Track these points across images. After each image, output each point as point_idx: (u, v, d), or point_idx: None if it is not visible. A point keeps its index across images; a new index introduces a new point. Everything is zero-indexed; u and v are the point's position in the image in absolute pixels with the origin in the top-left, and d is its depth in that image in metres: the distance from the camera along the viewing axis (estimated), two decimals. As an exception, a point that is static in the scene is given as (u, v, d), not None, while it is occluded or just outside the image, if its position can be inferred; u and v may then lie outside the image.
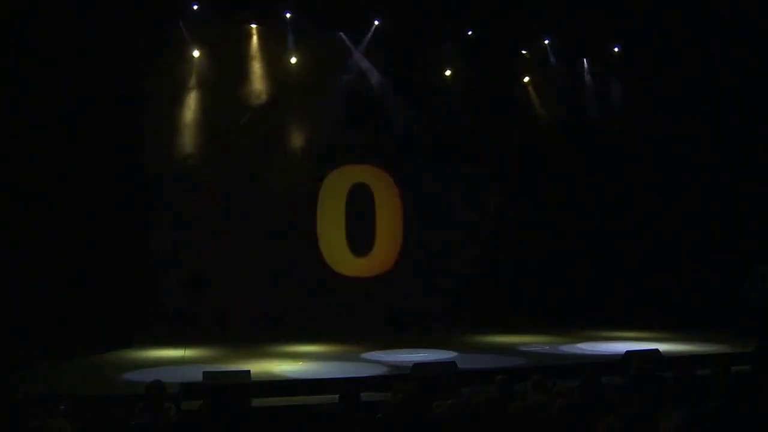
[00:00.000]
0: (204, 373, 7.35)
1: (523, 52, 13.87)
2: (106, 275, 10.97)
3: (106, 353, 10.28)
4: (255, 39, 12.50)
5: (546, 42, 13.77)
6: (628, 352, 8.49)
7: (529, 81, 14.02)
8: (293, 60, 12.63)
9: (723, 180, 13.10)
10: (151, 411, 5.62)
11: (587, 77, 14.18)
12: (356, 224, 13.66)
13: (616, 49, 13.91)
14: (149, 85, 11.73)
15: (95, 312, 10.58)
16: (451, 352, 10.39)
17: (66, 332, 9.99)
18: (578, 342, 11.33)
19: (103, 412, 6.24)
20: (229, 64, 12.34)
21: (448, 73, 13.59)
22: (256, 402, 7.20)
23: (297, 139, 13.20)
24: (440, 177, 14.15)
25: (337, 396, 6.01)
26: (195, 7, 11.78)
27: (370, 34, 12.99)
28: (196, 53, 12.13)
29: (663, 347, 9.25)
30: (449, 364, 8.19)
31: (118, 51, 10.88)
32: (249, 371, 7.47)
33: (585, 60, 14.14)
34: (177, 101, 12.25)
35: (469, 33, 13.22)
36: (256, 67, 12.46)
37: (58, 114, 10.43)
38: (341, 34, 13.04)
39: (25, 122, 10.23)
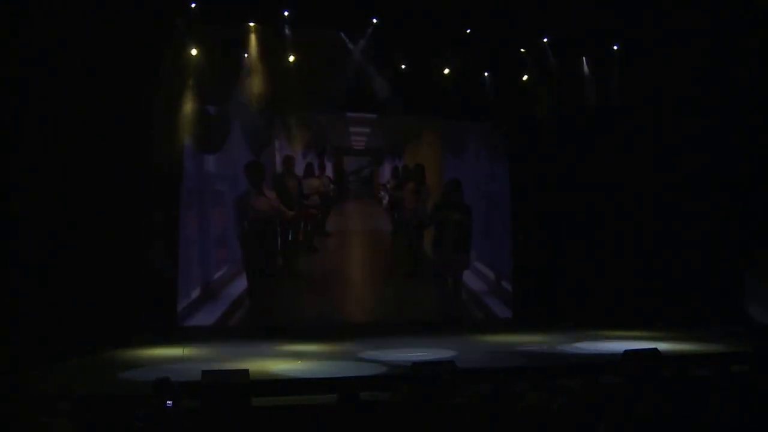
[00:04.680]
0: (203, 372, 7.34)
1: (522, 50, 13.82)
2: (107, 273, 10.95)
3: (106, 352, 10.26)
4: (253, 37, 12.45)
5: (545, 40, 13.74)
6: (626, 351, 8.50)
7: (527, 79, 13.98)
8: (291, 58, 12.61)
9: (723, 178, 13.12)
10: (157, 409, 5.65)
11: (586, 75, 14.13)
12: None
13: (615, 47, 13.87)
14: (146, 85, 11.69)
15: (95, 311, 10.58)
16: (449, 351, 10.40)
17: (66, 332, 9.97)
18: (577, 341, 11.34)
19: (103, 411, 6.25)
20: (227, 63, 12.31)
21: (446, 71, 13.56)
22: (255, 401, 7.19)
23: (296, 138, 13.24)
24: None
25: (336, 395, 6.02)
26: (193, 6, 11.73)
27: (369, 33, 12.96)
28: (194, 52, 12.10)
29: (661, 346, 9.24)
30: (448, 364, 8.19)
31: (115, 50, 10.84)
32: (247, 370, 7.47)
33: (584, 58, 14.09)
34: (175, 100, 12.21)
35: (468, 31, 13.18)
36: (254, 66, 12.42)
37: (55, 114, 10.40)
38: (340, 33, 13.00)
39: (23, 122, 10.20)
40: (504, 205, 14.54)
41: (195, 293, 12.65)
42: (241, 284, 12.88)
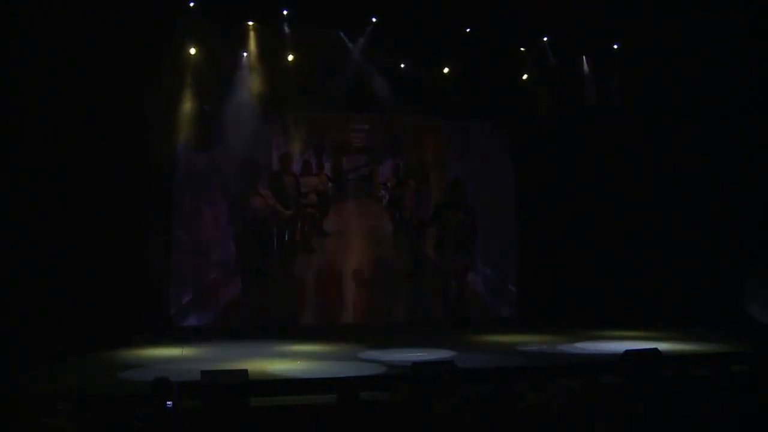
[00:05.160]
0: (202, 372, 7.33)
1: (521, 49, 13.81)
2: (105, 273, 10.95)
3: (105, 352, 10.24)
4: (252, 36, 12.44)
5: (545, 39, 13.72)
6: (627, 351, 8.48)
7: (527, 78, 13.97)
8: (290, 57, 12.61)
9: (723, 178, 13.09)
10: (156, 408, 5.64)
11: (586, 74, 14.11)
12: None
13: (615, 47, 13.85)
14: (145, 84, 11.69)
15: (94, 310, 10.57)
16: (449, 351, 10.37)
17: (65, 331, 9.96)
18: (577, 341, 11.32)
19: (102, 411, 6.25)
20: (225, 62, 12.30)
21: (446, 70, 13.55)
22: (254, 401, 7.18)
23: (294, 136, 13.20)
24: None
25: (336, 395, 6.01)
26: (191, 4, 11.71)
27: (368, 32, 12.95)
28: (192, 50, 12.10)
29: (662, 346, 9.22)
30: (448, 364, 8.18)
31: (114, 49, 10.85)
32: (246, 370, 7.46)
33: (584, 57, 14.08)
34: (172, 99, 12.19)
35: (468, 30, 13.17)
36: (253, 65, 12.41)
37: (53, 113, 10.40)
38: (340, 32, 12.98)
39: (20, 121, 10.20)
40: (505, 204, 14.53)
41: (190, 293, 12.64)
42: (237, 284, 12.85)
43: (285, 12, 12.37)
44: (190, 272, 12.69)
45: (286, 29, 12.46)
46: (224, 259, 12.92)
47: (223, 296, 12.85)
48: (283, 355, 10.26)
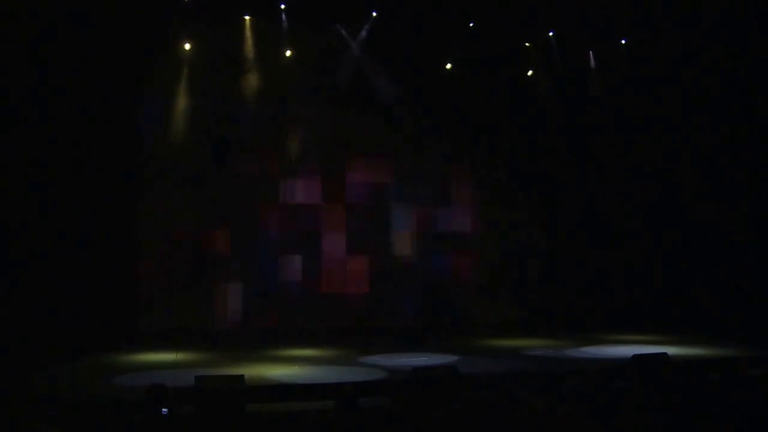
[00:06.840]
0: (196, 377, 7.18)
1: (527, 44, 13.70)
2: (99, 276, 10.85)
3: (97, 357, 10.11)
4: (248, 31, 12.33)
5: (550, 34, 13.61)
6: (635, 355, 8.36)
7: (533, 74, 13.86)
8: (288, 53, 12.50)
9: (729, 178, 12.96)
10: (151, 415, 5.49)
11: (592, 69, 14.00)
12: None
13: (623, 42, 13.72)
14: (140, 81, 11.62)
15: (86, 315, 10.46)
16: (451, 356, 10.24)
17: (60, 337, 9.88)
18: (584, 346, 11.18)
19: (93, 416, 6.15)
20: (221, 57, 12.19)
21: (449, 66, 13.42)
22: (250, 407, 7.03)
23: (292, 136, 13.03)
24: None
25: (334, 401, 5.87)
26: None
27: (367, 27, 12.82)
28: (187, 46, 11.99)
29: (671, 351, 9.07)
30: (450, 369, 8.02)
31: (109, 46, 10.80)
32: (243, 376, 7.31)
33: (590, 52, 13.97)
34: (168, 96, 12.09)
35: (471, 25, 13.04)
36: (250, 61, 12.31)
37: (48, 111, 10.33)
38: (338, 26, 12.86)
39: (14, 119, 10.14)
40: (506, 208, 14.40)
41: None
42: (234, 288, 12.66)
43: (282, 6, 12.26)
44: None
45: (285, 24, 12.34)
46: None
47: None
48: (282, 360, 10.14)
